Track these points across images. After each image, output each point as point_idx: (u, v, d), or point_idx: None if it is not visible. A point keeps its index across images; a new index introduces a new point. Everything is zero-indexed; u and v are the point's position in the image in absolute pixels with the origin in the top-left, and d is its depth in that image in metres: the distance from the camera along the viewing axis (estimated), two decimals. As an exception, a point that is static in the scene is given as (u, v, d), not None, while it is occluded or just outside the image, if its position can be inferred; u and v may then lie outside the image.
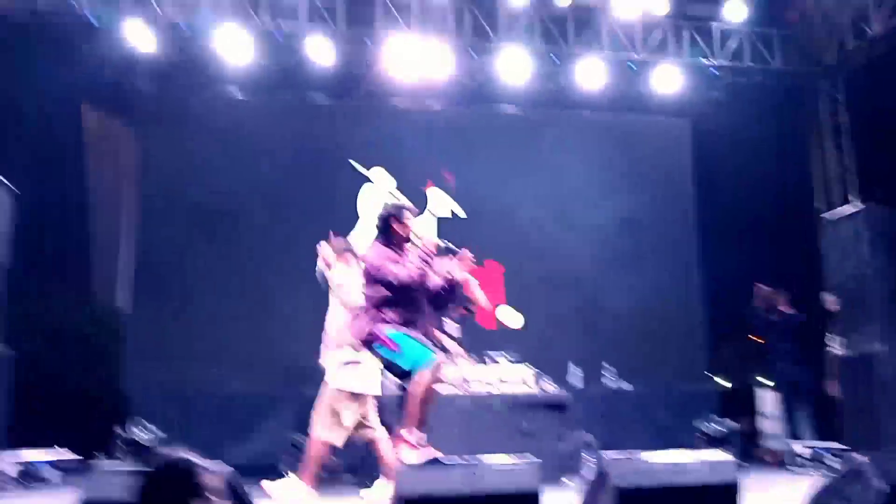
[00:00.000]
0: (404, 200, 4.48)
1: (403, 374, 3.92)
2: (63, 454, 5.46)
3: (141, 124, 7.66)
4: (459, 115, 8.36)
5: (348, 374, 4.49)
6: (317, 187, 7.66)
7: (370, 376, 4.51)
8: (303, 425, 6.38)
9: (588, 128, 8.52)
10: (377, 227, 4.10)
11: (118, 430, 6.09)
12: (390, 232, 4.04)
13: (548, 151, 8.34)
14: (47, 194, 6.73)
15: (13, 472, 5.26)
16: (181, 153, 7.66)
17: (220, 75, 7.58)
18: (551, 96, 8.20)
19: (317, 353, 4.78)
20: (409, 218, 4.07)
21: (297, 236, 7.51)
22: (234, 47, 7.20)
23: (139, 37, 7.02)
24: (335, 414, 4.47)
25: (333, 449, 4.60)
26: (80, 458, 5.49)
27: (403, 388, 3.99)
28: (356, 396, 4.52)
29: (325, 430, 4.46)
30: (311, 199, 7.64)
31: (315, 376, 4.79)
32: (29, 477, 5.27)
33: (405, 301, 3.96)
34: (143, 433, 6.08)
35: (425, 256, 3.94)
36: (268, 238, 7.63)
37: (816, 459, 5.94)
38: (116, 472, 3.68)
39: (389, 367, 3.99)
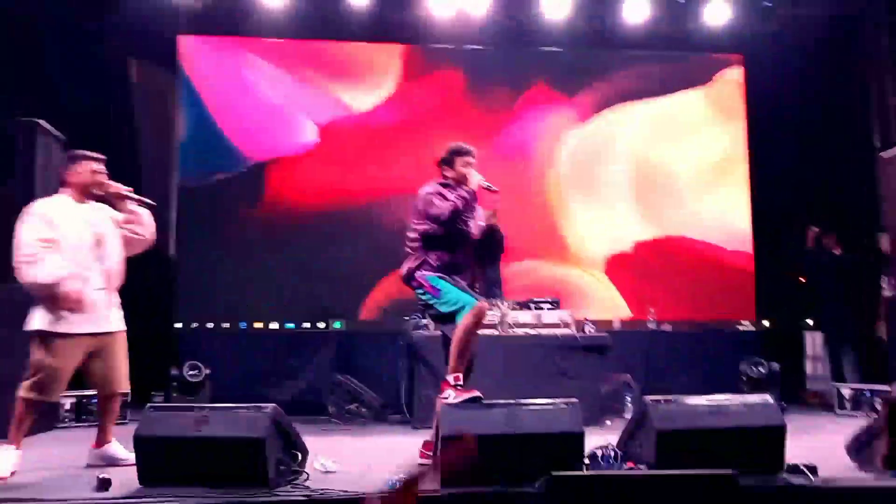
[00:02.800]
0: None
1: (442, 318, 3.96)
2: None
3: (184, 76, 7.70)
4: (497, 54, 8.16)
5: None
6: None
7: None
8: (345, 363, 6.58)
9: (634, 66, 8.25)
10: (441, 161, 4.09)
11: (169, 370, 6.34)
12: (452, 168, 4.03)
13: (589, 90, 8.14)
14: (97, 145, 6.85)
15: (69, 406, 5.53)
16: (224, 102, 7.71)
17: (258, 21, 7.53)
18: (595, 34, 7.94)
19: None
20: (471, 162, 4.03)
21: (340, 181, 7.67)
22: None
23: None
24: None
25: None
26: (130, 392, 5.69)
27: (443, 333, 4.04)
28: None
29: None
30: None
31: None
32: (84, 412, 5.52)
33: (450, 242, 3.97)
34: (193, 373, 6.31)
35: (470, 199, 3.92)
36: (308, 183, 7.69)
37: (861, 401, 5.87)
38: (168, 409, 3.85)
39: (428, 308, 4.03)
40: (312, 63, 7.95)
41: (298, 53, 7.96)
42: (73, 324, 3.80)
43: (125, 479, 3.36)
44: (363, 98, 7.96)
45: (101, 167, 4.12)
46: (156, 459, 3.35)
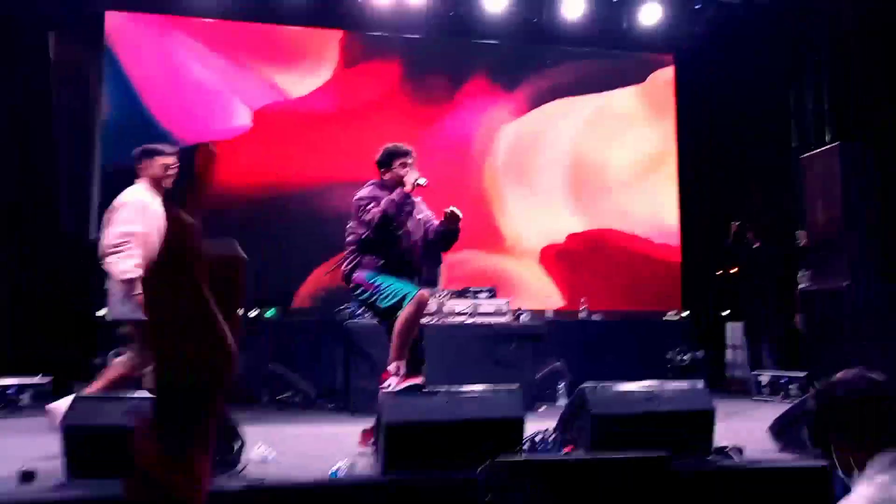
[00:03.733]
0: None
1: (384, 314, 3.93)
2: (35, 380, 5.42)
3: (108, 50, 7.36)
4: (436, 45, 8.15)
5: None
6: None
7: None
8: (279, 352, 6.47)
9: (570, 62, 8.40)
10: (378, 162, 4.06)
11: (92, 358, 6.08)
12: (389, 170, 4.00)
13: (527, 85, 8.26)
14: (11, 129, 6.55)
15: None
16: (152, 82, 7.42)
17: (190, 2, 7.28)
18: (533, 28, 8.04)
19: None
20: (408, 163, 4.00)
21: (274, 168, 7.51)
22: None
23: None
24: None
25: None
26: (50, 380, 5.46)
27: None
28: None
29: None
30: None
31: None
32: (3, 401, 5.24)
33: (385, 246, 3.93)
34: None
35: (403, 201, 3.87)
36: (241, 168, 7.50)
37: (778, 387, 6.19)
38: (100, 398, 3.70)
39: (370, 308, 4.01)
40: (247, 46, 7.76)
41: (233, 35, 7.75)
42: None
43: (50, 470, 3.21)
44: (299, 83, 7.83)
45: (174, 161, 4.29)
46: (84, 451, 3.21)
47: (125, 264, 3.99)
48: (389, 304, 3.83)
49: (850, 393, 1.90)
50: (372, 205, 3.88)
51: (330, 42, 7.94)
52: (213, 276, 1.20)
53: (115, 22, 7.45)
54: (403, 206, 3.87)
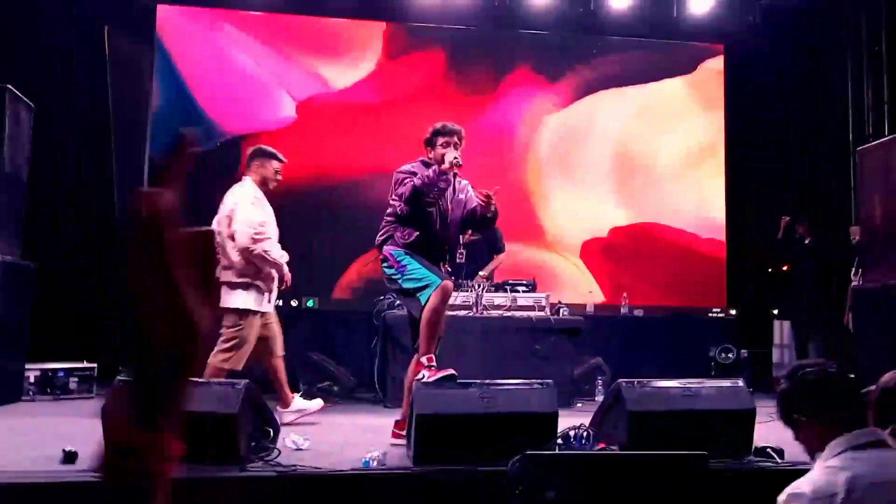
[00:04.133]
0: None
1: (404, 293, 3.97)
2: (83, 364, 5.60)
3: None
4: (480, 36, 8.10)
5: None
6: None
7: None
8: (318, 342, 6.54)
9: (617, 52, 8.26)
10: (425, 140, 4.12)
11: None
12: (433, 148, 4.04)
13: (572, 75, 8.15)
14: (68, 112, 6.74)
15: (35, 381, 5.42)
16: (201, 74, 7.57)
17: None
18: (580, 19, 7.92)
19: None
20: (452, 142, 4.01)
21: (317, 158, 7.58)
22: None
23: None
24: None
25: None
26: (96, 366, 5.63)
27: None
28: None
29: None
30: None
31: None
32: (51, 386, 5.42)
33: (418, 222, 3.95)
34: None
35: (436, 179, 3.88)
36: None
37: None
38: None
39: (391, 283, 4.03)
40: (292, 38, 7.83)
41: (278, 27, 7.83)
42: (268, 304, 4.50)
43: (91, 452, 3.30)
44: (343, 75, 7.87)
45: (281, 169, 4.65)
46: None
47: (277, 251, 4.43)
48: (412, 286, 3.86)
49: (815, 373, 1.98)
50: (408, 179, 3.90)
51: (374, 34, 7.96)
52: (190, 251, 1.23)
53: (166, 15, 7.61)
54: (436, 183, 3.88)
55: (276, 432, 3.67)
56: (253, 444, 3.42)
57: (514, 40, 8.18)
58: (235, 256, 4.38)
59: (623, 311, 7.23)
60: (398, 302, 5.75)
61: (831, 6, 7.75)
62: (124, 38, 7.40)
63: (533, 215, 7.97)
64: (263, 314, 4.47)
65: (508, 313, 5.75)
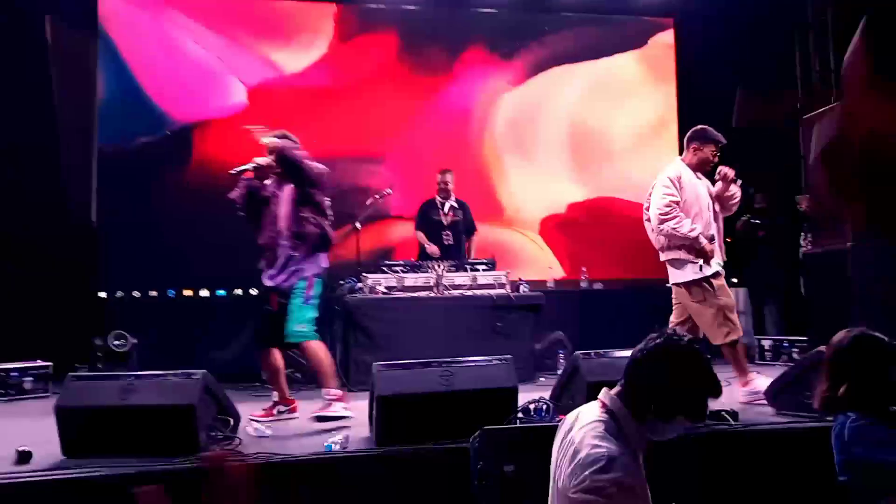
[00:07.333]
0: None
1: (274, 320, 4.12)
2: (37, 363, 5.46)
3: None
4: (433, 15, 8.03)
5: None
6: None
7: None
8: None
9: (569, 29, 8.28)
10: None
11: (94, 340, 6.12)
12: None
13: (525, 53, 8.15)
14: (13, 113, 6.55)
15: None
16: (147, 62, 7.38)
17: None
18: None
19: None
20: None
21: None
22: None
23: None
24: None
25: None
26: (52, 364, 5.51)
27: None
28: None
29: None
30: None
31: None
32: (4, 385, 5.28)
33: None
34: (119, 342, 6.11)
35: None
36: (238, 146, 7.44)
37: (780, 352, 6.15)
38: (92, 378, 3.72)
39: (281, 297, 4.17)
40: (242, 22, 7.66)
41: (227, 12, 7.65)
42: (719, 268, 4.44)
43: (47, 451, 3.24)
44: (294, 59, 7.74)
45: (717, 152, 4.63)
46: (79, 430, 3.24)
47: (685, 225, 4.37)
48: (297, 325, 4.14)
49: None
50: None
51: (324, 15, 7.84)
52: None
53: (108, 2, 7.38)
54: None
55: (237, 421, 3.64)
56: (212, 433, 3.39)
57: (467, 19, 8.14)
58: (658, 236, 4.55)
59: (583, 285, 7.30)
60: (359, 285, 5.76)
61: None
62: (65, 27, 7.18)
63: (492, 194, 7.98)
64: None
65: (469, 292, 5.77)
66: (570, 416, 2.11)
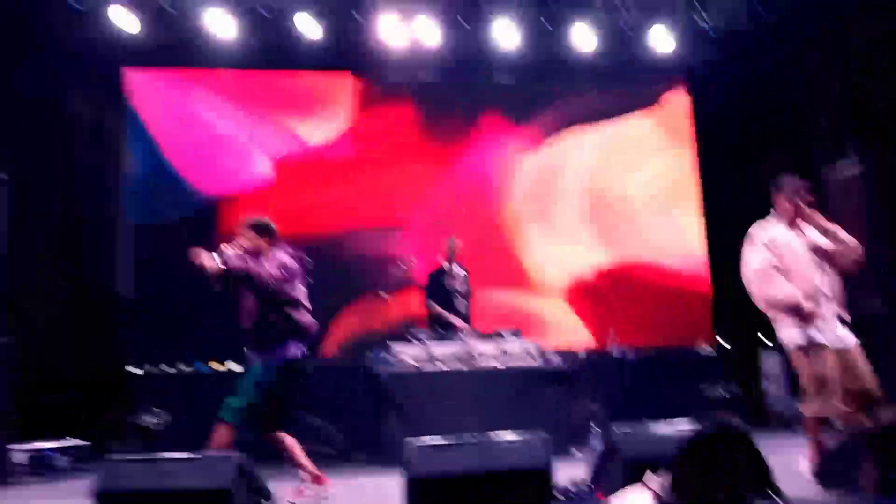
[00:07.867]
0: None
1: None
2: (73, 442, 5.47)
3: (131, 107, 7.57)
4: (450, 86, 8.24)
5: None
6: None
7: None
8: (317, 407, 6.43)
9: (583, 93, 8.44)
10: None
11: (127, 417, 6.13)
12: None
13: (541, 118, 8.30)
14: (38, 181, 6.72)
15: (25, 461, 5.27)
16: (174, 137, 7.61)
17: (207, 54, 7.47)
18: (545, 64, 8.10)
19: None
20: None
21: (296, 216, 7.60)
22: (220, 25, 7.16)
23: (124, 20, 7.02)
24: None
25: None
26: (89, 444, 5.50)
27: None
28: None
29: None
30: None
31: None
32: (41, 466, 5.28)
33: None
34: (152, 419, 6.11)
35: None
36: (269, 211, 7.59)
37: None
38: (129, 461, 3.71)
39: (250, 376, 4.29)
40: (265, 95, 7.92)
41: (250, 85, 7.93)
42: (819, 335, 4.02)
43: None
44: (317, 131, 7.95)
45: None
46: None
47: (775, 290, 4.08)
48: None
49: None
50: None
51: (344, 88, 8.09)
52: None
53: (134, 79, 7.66)
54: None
55: (270, 501, 3.61)
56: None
57: (482, 88, 8.34)
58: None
59: (614, 354, 7.23)
60: (390, 357, 5.75)
61: (784, 33, 7.92)
62: (94, 102, 7.42)
63: (515, 260, 8.02)
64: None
65: (500, 365, 5.73)
66: (615, 502, 2.08)
